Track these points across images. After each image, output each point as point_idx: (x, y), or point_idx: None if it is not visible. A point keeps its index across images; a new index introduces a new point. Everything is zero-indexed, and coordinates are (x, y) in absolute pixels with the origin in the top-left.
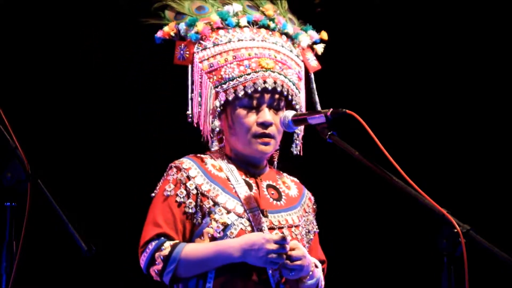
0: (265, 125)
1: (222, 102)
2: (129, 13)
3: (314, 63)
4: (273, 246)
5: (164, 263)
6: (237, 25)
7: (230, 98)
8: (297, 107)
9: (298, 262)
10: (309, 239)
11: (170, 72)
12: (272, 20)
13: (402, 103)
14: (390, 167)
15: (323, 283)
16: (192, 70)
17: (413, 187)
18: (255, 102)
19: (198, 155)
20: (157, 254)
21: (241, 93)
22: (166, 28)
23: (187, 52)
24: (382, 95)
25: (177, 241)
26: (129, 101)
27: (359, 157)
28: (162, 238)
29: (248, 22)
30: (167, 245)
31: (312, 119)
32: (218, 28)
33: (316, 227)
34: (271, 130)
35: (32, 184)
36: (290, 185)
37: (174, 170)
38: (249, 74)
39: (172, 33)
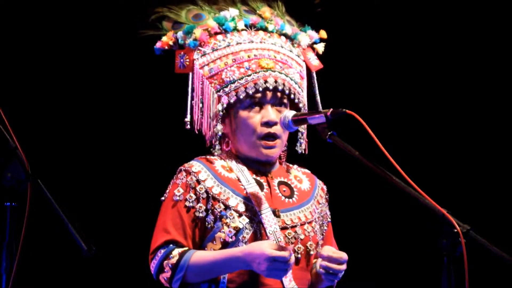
0: (269, 124)
1: (225, 105)
2: (128, 23)
3: (315, 62)
4: (273, 264)
5: (173, 271)
6: (235, 29)
7: (232, 101)
8: (301, 105)
9: (343, 266)
10: (323, 231)
11: (175, 76)
12: (270, 21)
13: (402, 103)
14: (390, 167)
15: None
16: (193, 77)
17: (413, 187)
18: (257, 103)
19: (208, 156)
20: (165, 262)
21: (242, 95)
22: (164, 38)
23: (187, 60)
24: (382, 95)
25: (186, 248)
26: (131, 101)
27: (359, 157)
28: (171, 245)
29: (246, 25)
30: (175, 253)
31: (312, 119)
32: (216, 33)
33: (329, 217)
34: (276, 129)
35: (32, 184)
36: (301, 178)
37: (184, 173)
38: (249, 75)
39: (170, 43)
